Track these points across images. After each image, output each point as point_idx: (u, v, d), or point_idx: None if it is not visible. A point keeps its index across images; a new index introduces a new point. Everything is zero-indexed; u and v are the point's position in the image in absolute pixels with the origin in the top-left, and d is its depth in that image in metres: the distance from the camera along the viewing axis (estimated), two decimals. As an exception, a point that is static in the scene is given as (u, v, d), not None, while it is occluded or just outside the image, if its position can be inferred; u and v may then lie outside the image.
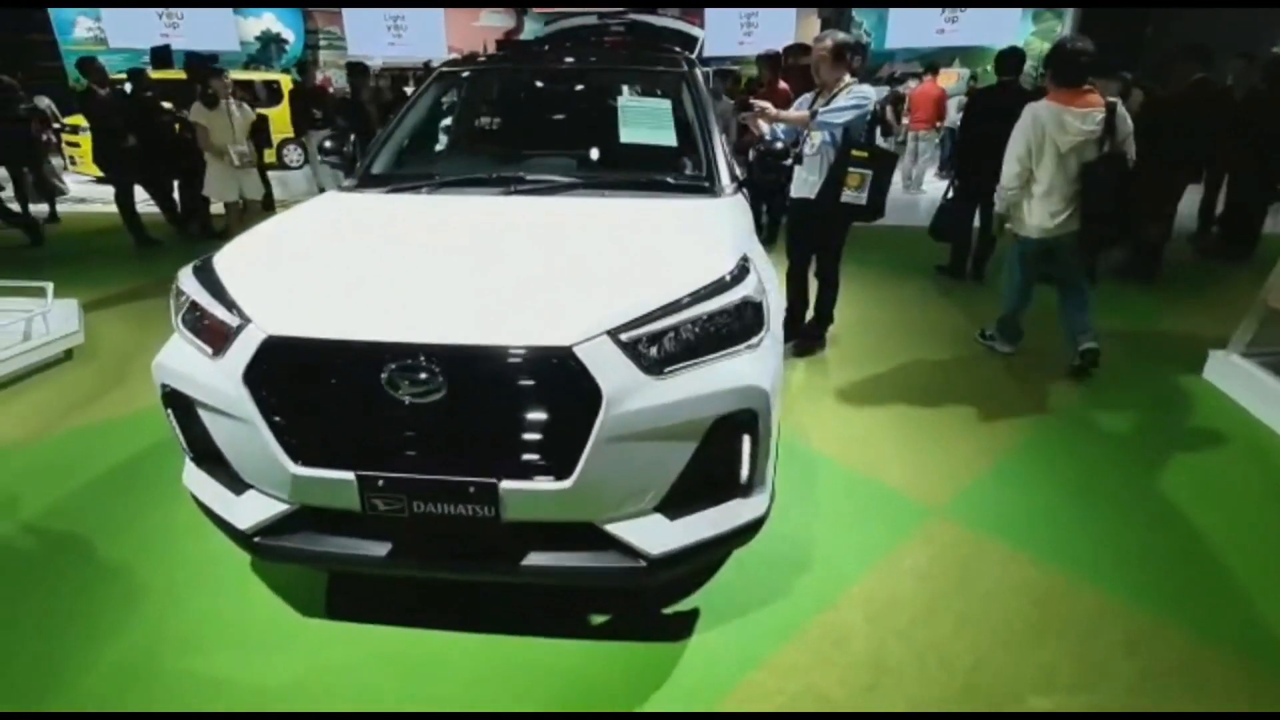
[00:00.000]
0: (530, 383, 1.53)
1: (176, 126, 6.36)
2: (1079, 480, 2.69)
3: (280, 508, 1.72)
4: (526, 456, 1.57)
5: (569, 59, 3.10)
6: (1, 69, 7.14)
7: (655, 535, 1.68)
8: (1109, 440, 3.02)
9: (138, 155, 6.02)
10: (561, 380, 1.50)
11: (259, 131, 6.35)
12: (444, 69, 2.97)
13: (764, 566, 2.16)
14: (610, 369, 1.51)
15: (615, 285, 1.66)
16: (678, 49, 4.03)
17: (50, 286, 4.03)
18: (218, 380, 1.63)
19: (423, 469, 1.58)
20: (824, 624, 1.96)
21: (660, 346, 1.59)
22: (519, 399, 1.55)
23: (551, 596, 2.03)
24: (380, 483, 1.58)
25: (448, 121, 3.15)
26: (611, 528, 1.66)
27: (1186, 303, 4.84)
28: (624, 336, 1.54)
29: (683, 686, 1.76)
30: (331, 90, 11.20)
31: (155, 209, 6.71)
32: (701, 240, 1.93)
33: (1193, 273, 5.62)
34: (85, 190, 9.26)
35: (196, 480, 1.87)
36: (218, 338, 1.65)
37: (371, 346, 1.51)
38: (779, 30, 15.85)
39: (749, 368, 1.66)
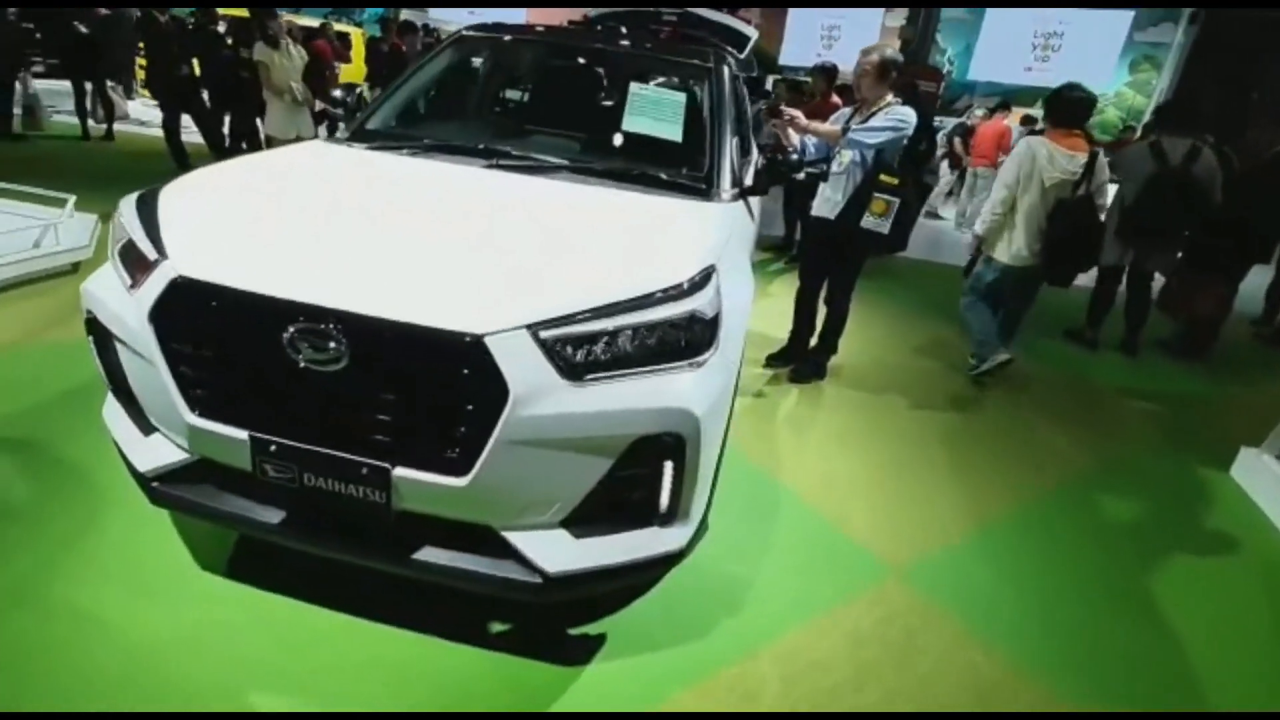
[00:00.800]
0: (436, 368, 1.41)
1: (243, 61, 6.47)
2: (1064, 566, 2.46)
3: (181, 456, 1.65)
4: (424, 445, 1.45)
5: (596, 41, 2.98)
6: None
7: (556, 552, 1.55)
8: (1109, 527, 2.77)
9: (190, 84, 6.12)
10: (468, 370, 1.38)
11: (313, 75, 6.40)
12: (465, 33, 2.87)
13: (690, 601, 2.02)
14: (522, 366, 1.38)
15: (553, 277, 1.53)
16: (724, 46, 3.88)
17: (72, 199, 4.10)
18: (129, 314, 1.56)
19: (316, 441, 1.48)
20: (736, 675, 1.81)
21: (587, 350, 1.46)
22: (422, 383, 1.43)
23: (455, 596, 1.91)
24: (272, 448, 1.49)
25: (460, 87, 3.05)
26: (510, 536, 1.55)
27: (1232, 390, 4.48)
28: (544, 334, 1.41)
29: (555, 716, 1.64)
30: (405, 50, 11.30)
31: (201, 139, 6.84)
32: (669, 243, 1.78)
33: (1248, 359, 5.21)
34: (150, 114, 9.53)
35: (112, 414, 1.82)
36: (138, 270, 1.58)
37: (276, 303, 1.41)
38: (862, 45, 15.38)
39: (684, 388, 1.51)
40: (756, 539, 2.36)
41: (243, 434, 1.50)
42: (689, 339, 1.56)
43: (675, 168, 2.32)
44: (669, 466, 1.54)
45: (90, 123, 7.49)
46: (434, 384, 1.43)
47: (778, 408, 3.37)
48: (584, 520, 1.57)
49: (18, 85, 6.63)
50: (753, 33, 4.55)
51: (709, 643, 1.90)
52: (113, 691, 1.56)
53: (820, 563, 2.30)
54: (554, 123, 2.72)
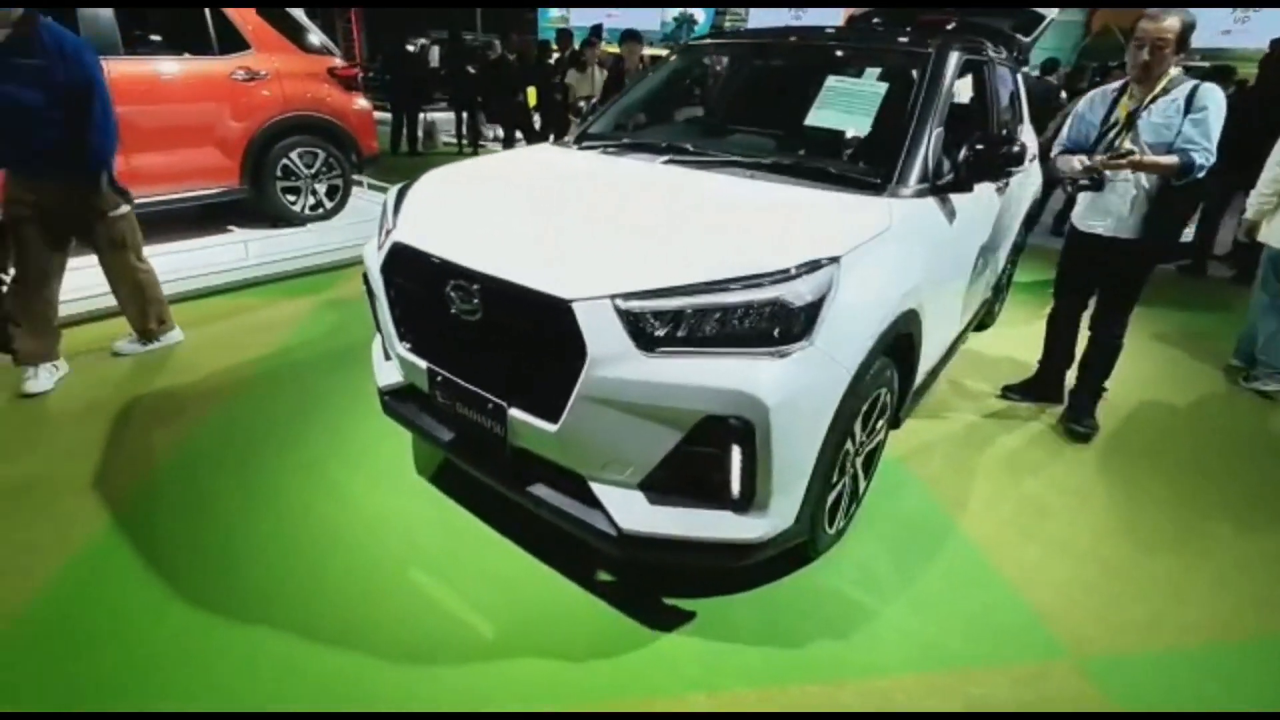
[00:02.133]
0: (538, 325, 1.64)
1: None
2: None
3: (399, 379, 2.18)
4: (530, 392, 1.71)
5: (818, 39, 2.92)
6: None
7: (630, 510, 1.68)
8: None
9: (523, 110, 7.57)
10: (560, 330, 1.58)
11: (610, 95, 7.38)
12: (690, 43, 3.10)
13: (794, 612, 1.94)
14: (601, 332, 1.54)
15: (655, 256, 1.64)
16: (1004, 31, 3.47)
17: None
18: (375, 268, 2.13)
19: (464, 376, 1.84)
20: (808, 694, 1.70)
21: (671, 324, 1.55)
22: (529, 338, 1.69)
23: (583, 544, 1.99)
24: (439, 378, 1.91)
25: (678, 92, 3.27)
26: (595, 486, 1.72)
27: None
28: (624, 305, 1.53)
29: (615, 669, 1.74)
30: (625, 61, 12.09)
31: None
32: (788, 233, 1.74)
33: None
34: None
35: (375, 344, 2.47)
36: (384, 237, 2.14)
37: (441, 262, 1.80)
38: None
39: (758, 375, 1.50)
40: (899, 575, 2.12)
41: (424, 364, 1.94)
42: (778, 325, 1.54)
43: (853, 162, 2.21)
44: (737, 451, 1.54)
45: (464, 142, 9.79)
46: (538, 339, 1.67)
47: (993, 443, 2.89)
48: (659, 488, 1.66)
49: (421, 116, 8.98)
50: (1050, 13, 3.91)
51: (795, 656, 1.81)
52: (340, 546, 2.12)
53: (971, 620, 1.96)
54: (756, 121, 2.78)
